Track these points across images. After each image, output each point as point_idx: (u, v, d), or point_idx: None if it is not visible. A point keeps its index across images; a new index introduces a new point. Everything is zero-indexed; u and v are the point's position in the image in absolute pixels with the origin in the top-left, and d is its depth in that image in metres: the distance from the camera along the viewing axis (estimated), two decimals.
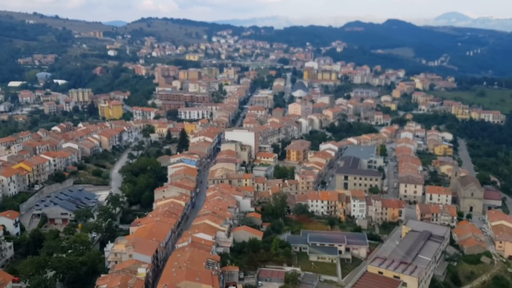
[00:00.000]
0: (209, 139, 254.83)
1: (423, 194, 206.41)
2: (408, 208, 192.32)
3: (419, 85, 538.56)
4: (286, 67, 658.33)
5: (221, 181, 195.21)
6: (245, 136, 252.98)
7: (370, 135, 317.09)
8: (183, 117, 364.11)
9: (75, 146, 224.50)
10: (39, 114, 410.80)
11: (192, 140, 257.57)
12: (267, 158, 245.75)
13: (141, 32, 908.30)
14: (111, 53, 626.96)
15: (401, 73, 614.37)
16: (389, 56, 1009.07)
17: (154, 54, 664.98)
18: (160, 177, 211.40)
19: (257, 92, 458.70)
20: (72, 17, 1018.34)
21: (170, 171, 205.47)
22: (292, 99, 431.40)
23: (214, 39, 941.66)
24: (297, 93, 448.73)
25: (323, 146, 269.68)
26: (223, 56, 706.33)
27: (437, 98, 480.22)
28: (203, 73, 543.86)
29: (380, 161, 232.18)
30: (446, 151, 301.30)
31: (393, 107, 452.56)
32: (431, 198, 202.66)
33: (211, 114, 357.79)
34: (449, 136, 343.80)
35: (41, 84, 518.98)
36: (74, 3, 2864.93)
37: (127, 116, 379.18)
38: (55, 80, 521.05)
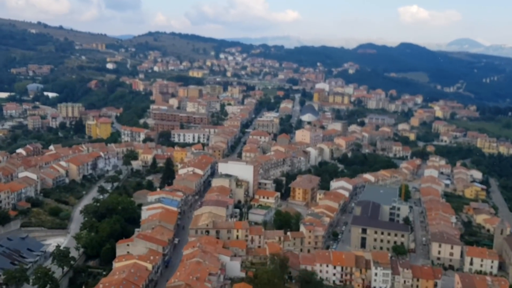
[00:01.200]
0: (200, 171, 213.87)
1: (461, 256, 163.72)
2: (444, 275, 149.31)
3: (439, 113, 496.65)
4: (295, 87, 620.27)
5: (206, 232, 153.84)
6: (242, 170, 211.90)
7: (389, 170, 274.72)
8: (176, 140, 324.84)
9: (34, 176, 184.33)
10: (22, 130, 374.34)
11: (180, 171, 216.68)
12: (267, 197, 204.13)
13: (147, 46, 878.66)
14: (109, 66, 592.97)
15: (419, 99, 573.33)
16: (403, 80, 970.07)
17: (156, 68, 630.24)
18: (133, 220, 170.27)
19: (262, 114, 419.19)
20: (83, 29, 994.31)
21: (144, 214, 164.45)
22: (300, 124, 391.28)
23: (221, 55, 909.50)
24: (306, 117, 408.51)
25: (335, 184, 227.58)
26: (229, 74, 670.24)
27: (459, 129, 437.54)
28: (205, 91, 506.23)
29: (405, 209, 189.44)
30: (478, 194, 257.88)
31: (412, 137, 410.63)
32: (471, 263, 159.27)
33: (208, 138, 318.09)
34: (478, 174, 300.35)
35: (31, 96, 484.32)
36: (87, 16, 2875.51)
37: (115, 137, 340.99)
38: (45, 93, 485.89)
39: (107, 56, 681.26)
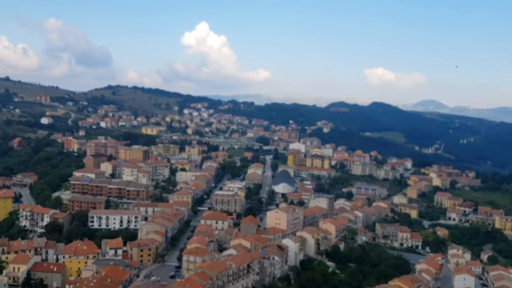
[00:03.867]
0: None
1: None
2: None
3: (436, 181, 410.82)
4: (266, 147, 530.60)
5: None
6: None
7: (406, 279, 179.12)
8: (96, 225, 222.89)
9: None
10: None
11: None
12: None
13: (102, 99, 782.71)
14: (44, 121, 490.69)
15: (409, 163, 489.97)
16: (381, 140, 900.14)
17: (102, 124, 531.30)
18: None
19: (223, 183, 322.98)
20: (54, 84, 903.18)
21: None
22: (272, 198, 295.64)
23: (186, 111, 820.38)
24: (280, 187, 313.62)
25: None
26: (189, 131, 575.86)
27: (468, 203, 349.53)
28: (156, 152, 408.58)
29: None
30: None
31: (414, 214, 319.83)
32: None
33: (146, 219, 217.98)
34: None
35: None
36: (57, 72, 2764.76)
37: (13, 219, 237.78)
38: None
39: (48, 110, 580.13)
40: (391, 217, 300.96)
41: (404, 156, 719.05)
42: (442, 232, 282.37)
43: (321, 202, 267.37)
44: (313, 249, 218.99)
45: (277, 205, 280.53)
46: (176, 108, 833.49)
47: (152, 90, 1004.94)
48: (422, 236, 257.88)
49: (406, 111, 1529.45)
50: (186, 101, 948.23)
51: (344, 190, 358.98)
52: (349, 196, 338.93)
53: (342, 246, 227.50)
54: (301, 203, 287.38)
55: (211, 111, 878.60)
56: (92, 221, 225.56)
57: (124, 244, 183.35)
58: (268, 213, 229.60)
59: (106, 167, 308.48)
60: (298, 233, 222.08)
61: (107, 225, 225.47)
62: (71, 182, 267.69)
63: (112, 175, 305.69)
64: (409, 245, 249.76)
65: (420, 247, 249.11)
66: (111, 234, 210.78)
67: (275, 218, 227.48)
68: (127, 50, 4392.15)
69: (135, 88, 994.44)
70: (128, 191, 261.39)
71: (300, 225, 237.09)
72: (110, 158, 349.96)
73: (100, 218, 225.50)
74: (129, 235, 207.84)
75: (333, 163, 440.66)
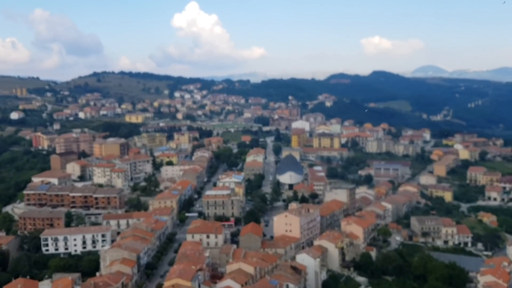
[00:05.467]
0: None
1: None
2: None
3: (464, 153, 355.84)
4: (265, 128, 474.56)
5: None
6: None
7: None
8: (51, 249, 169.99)
9: None
10: None
11: None
12: None
13: (85, 88, 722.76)
14: (14, 116, 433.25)
15: (427, 134, 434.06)
16: (387, 111, 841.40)
17: (81, 115, 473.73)
18: None
19: (218, 176, 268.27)
20: (45, 78, 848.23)
21: None
22: (277, 192, 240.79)
23: (177, 94, 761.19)
24: (287, 177, 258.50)
25: None
26: (179, 116, 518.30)
27: (507, 177, 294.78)
28: (139, 143, 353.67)
29: None
30: None
31: (448, 197, 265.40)
32: None
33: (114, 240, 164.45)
34: None
35: None
36: (49, 64, 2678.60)
37: None
38: None
39: (23, 102, 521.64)
40: (424, 204, 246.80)
41: (415, 126, 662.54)
42: (488, 219, 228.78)
43: (340, 194, 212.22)
44: (337, 262, 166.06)
45: (284, 201, 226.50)
46: (166, 92, 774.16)
47: (141, 74, 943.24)
48: (470, 230, 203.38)
49: (409, 78, 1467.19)
50: (177, 83, 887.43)
51: (361, 172, 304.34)
52: (368, 180, 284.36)
53: (373, 253, 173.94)
54: (313, 196, 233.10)
55: (204, 92, 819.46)
56: (47, 245, 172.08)
57: (85, 278, 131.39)
58: (275, 218, 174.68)
59: (73, 168, 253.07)
60: (315, 242, 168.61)
61: (66, 248, 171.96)
62: (25, 192, 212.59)
63: (81, 177, 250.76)
64: (456, 242, 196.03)
65: (470, 244, 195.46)
66: (68, 263, 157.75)
67: (285, 223, 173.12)
68: (118, 36, 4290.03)
69: (122, 73, 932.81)
70: (96, 198, 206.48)
71: (317, 230, 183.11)
72: (82, 155, 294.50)
73: (56, 240, 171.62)
74: (92, 263, 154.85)
75: (343, 140, 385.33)
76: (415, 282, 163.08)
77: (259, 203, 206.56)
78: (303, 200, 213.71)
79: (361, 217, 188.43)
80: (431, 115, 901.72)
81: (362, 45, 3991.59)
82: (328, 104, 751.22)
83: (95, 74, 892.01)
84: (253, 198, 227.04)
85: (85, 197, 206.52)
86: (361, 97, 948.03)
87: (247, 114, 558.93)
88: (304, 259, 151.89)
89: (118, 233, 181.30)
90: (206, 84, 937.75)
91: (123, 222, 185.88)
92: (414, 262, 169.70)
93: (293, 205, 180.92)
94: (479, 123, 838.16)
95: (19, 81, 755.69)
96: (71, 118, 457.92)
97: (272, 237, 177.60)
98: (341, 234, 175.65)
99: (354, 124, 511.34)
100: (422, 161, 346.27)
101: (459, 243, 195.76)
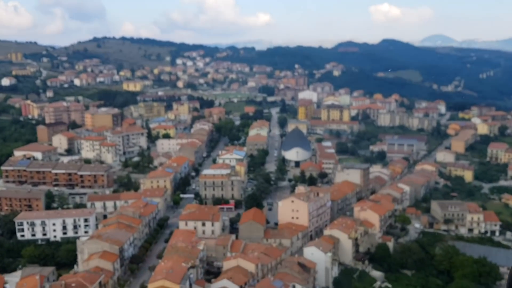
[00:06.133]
0: None
1: None
2: None
3: (483, 128, 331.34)
4: (270, 99, 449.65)
5: None
6: None
7: None
8: (27, 235, 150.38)
9: None
10: None
11: None
12: None
13: (84, 53, 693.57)
14: (5, 82, 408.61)
15: (442, 107, 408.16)
16: (398, 81, 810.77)
17: (76, 82, 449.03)
18: None
19: (218, 151, 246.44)
20: (48, 43, 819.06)
21: None
22: (283, 170, 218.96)
23: (179, 61, 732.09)
24: (293, 154, 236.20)
25: None
26: (180, 84, 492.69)
27: None
28: (136, 113, 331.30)
29: None
30: None
31: (468, 176, 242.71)
32: None
33: (98, 226, 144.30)
34: None
35: None
36: (52, 29, 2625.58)
37: None
38: None
39: (15, 68, 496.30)
40: (443, 185, 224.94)
41: (426, 97, 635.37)
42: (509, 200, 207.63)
43: (352, 175, 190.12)
44: (350, 254, 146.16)
45: (290, 181, 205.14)
46: (168, 59, 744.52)
47: (142, 40, 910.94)
48: (497, 216, 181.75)
49: (418, 47, 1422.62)
50: (180, 50, 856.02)
51: (372, 148, 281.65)
52: (381, 157, 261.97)
53: (390, 244, 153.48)
54: (322, 175, 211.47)
55: (207, 59, 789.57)
56: (22, 230, 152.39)
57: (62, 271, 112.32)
58: (280, 203, 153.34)
59: (60, 141, 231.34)
60: (326, 231, 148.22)
61: (45, 234, 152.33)
62: (3, 167, 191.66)
63: (69, 151, 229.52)
64: (482, 230, 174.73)
65: (497, 233, 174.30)
66: (44, 253, 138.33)
67: (291, 210, 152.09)
68: (122, 1, 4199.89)
69: (123, 39, 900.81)
70: (81, 176, 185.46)
71: (327, 216, 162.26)
72: (73, 126, 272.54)
73: (32, 225, 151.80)
74: (71, 254, 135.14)
75: (353, 113, 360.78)
76: (439, 278, 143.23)
77: (262, 184, 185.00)
78: (312, 181, 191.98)
79: (377, 202, 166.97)
80: (441, 85, 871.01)
81: (370, 13, 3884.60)
82: (336, 73, 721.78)
83: (95, 40, 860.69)
84: (255, 177, 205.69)
85: (69, 174, 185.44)
86: (370, 66, 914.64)
87: (251, 83, 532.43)
88: (314, 253, 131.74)
89: (105, 216, 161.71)
90: (209, 51, 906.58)
91: (109, 204, 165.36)
92: (437, 255, 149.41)
93: (301, 188, 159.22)
94: (491, 94, 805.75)
95: (16, 46, 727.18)
96: (66, 85, 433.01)
97: (276, 224, 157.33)
98: (354, 221, 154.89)
99: (364, 94, 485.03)
100: (438, 136, 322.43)
101: (486, 232, 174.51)
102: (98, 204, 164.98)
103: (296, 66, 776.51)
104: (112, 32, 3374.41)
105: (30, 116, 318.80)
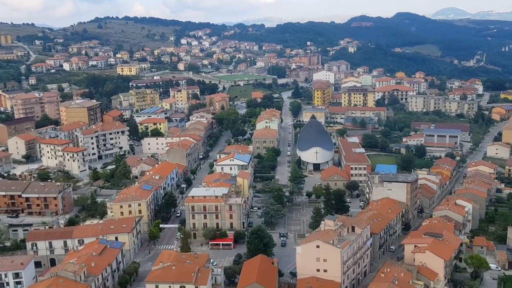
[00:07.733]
0: None
1: None
2: None
3: None
4: (281, 81, 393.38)
5: None
6: None
7: None
8: None
9: None
10: None
11: None
12: None
13: (84, 34, 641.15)
14: None
15: (479, 86, 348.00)
16: (418, 57, 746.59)
17: (66, 67, 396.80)
18: None
19: (218, 150, 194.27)
20: (59, 26, 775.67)
21: None
22: (298, 173, 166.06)
23: (183, 41, 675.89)
24: (311, 155, 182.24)
25: None
26: (181, 66, 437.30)
27: None
28: (126, 102, 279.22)
29: None
30: None
31: None
32: None
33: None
34: None
35: None
36: (63, 12, 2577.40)
37: None
38: None
39: (2, 52, 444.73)
40: (508, 193, 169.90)
41: (447, 73, 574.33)
42: None
43: (396, 190, 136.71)
44: None
45: (309, 197, 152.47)
46: (172, 39, 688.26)
47: (146, 19, 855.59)
48: None
49: (435, 20, 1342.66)
50: (185, 29, 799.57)
51: (405, 141, 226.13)
52: (420, 154, 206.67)
53: None
54: (351, 187, 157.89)
55: (214, 38, 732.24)
56: None
57: None
58: (299, 248, 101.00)
59: (17, 145, 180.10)
60: None
61: None
62: None
63: (28, 158, 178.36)
64: None
65: None
66: None
67: (316, 259, 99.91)
68: None
69: (126, 18, 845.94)
70: (27, 200, 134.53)
71: (366, 260, 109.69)
72: (43, 123, 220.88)
73: None
74: None
75: (377, 96, 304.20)
76: None
77: (273, 207, 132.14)
78: (338, 199, 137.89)
79: (437, 236, 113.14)
80: (462, 60, 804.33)
81: None
82: (351, 49, 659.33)
83: (96, 20, 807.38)
84: (263, 189, 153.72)
85: (12, 197, 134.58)
86: (386, 41, 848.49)
87: (260, 63, 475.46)
88: None
89: (52, 260, 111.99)
90: (216, 30, 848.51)
91: (58, 244, 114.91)
92: None
93: (329, 222, 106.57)
94: None
95: (10, 28, 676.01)
96: (53, 71, 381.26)
97: (293, 275, 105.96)
98: (408, 271, 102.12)
99: (384, 73, 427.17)
100: (482, 123, 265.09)
101: None
102: (42, 245, 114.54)
103: (308, 43, 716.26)
104: (123, 12, 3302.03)
105: (2, 109, 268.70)
